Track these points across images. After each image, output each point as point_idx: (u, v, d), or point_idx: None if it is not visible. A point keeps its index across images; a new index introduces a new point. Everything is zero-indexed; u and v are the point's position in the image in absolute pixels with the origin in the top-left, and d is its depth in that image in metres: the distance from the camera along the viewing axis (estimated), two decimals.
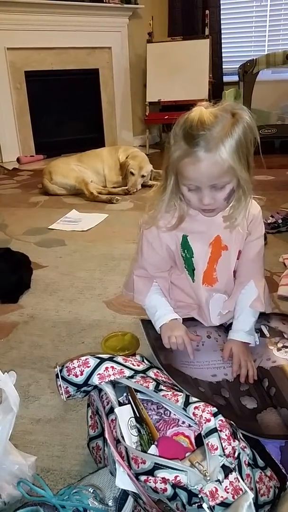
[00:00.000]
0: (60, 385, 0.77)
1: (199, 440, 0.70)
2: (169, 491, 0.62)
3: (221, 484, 0.61)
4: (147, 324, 1.12)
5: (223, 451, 0.64)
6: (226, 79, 4.35)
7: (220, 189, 0.91)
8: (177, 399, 0.73)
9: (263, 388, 0.97)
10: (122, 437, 0.69)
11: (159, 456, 0.66)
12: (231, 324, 1.11)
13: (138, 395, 0.78)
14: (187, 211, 1.01)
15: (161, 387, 0.77)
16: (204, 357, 1.04)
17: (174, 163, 0.91)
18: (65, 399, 0.78)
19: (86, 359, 0.77)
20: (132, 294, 1.13)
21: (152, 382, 0.78)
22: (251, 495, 0.60)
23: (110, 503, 0.72)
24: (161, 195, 0.99)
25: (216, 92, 4.11)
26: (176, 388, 0.85)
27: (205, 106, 0.89)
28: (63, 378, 0.77)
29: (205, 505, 0.60)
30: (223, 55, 4.35)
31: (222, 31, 4.28)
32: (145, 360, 0.90)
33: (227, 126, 0.85)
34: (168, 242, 1.06)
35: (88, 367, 0.76)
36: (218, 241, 1.04)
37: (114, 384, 0.79)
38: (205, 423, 0.67)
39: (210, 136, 0.84)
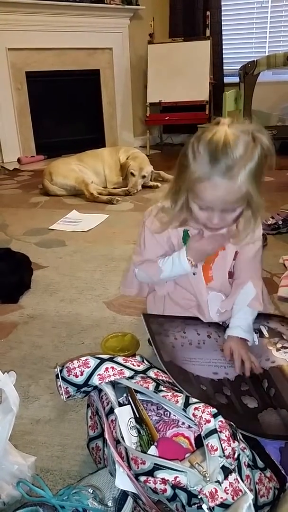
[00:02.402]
0: (60, 385, 0.77)
1: (199, 441, 0.70)
2: (169, 491, 0.62)
3: (220, 485, 0.61)
4: (149, 318, 1.12)
5: (223, 452, 0.64)
6: (226, 80, 4.36)
7: (231, 212, 0.94)
8: (177, 400, 0.73)
9: (263, 388, 0.97)
10: (122, 437, 0.68)
11: (159, 457, 0.66)
12: None
13: (138, 396, 0.78)
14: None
15: (161, 387, 0.77)
16: (205, 355, 1.05)
17: (191, 182, 0.92)
18: (65, 400, 0.78)
19: (86, 359, 0.77)
20: (131, 290, 1.19)
21: (152, 382, 0.78)
22: (250, 496, 0.60)
23: (109, 504, 0.72)
24: (171, 209, 1.01)
25: (216, 94, 4.12)
26: (176, 388, 0.85)
27: (227, 122, 0.89)
28: (63, 379, 0.77)
29: (204, 506, 0.59)
30: (223, 56, 4.35)
31: (223, 32, 4.28)
32: (145, 361, 0.90)
33: (249, 151, 0.87)
34: (171, 235, 1.08)
35: (88, 367, 0.76)
36: None
37: (114, 384, 0.79)
38: (204, 424, 0.67)
39: (232, 161, 0.85)
